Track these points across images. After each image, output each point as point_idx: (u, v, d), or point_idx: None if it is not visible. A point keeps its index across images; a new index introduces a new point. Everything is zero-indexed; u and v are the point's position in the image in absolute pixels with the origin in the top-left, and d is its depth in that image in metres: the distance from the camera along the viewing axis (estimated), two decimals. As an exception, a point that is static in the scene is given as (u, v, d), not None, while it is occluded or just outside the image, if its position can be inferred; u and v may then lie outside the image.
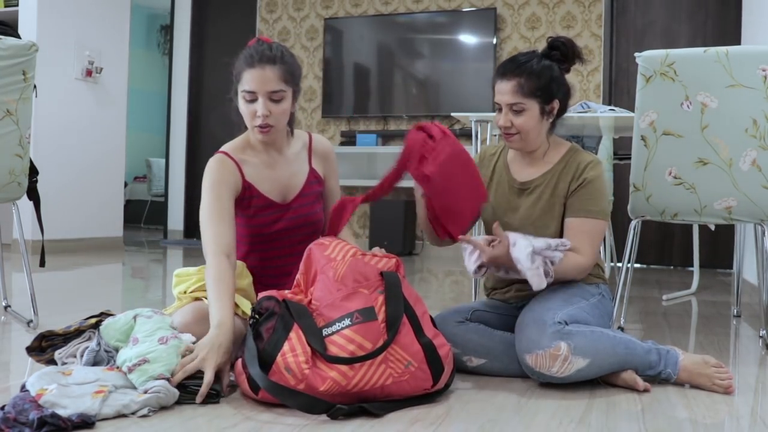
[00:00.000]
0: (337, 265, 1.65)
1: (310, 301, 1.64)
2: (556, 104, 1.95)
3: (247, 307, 1.86)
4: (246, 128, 2.08)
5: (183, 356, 1.61)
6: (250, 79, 1.85)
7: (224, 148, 1.99)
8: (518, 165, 2.05)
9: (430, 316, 1.76)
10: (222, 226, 1.84)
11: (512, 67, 1.92)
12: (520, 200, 2.00)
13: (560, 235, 1.94)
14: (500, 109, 1.95)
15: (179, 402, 1.54)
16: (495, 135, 3.52)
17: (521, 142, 1.95)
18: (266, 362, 1.53)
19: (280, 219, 1.99)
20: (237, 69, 1.90)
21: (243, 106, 1.89)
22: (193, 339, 1.68)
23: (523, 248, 1.78)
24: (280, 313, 1.59)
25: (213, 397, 1.56)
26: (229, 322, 1.69)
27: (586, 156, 1.97)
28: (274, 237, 1.99)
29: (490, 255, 1.81)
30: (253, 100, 1.87)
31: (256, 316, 1.61)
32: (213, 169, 1.92)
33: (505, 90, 1.91)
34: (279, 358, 1.52)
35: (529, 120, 1.92)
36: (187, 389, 1.56)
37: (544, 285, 1.79)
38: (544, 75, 1.91)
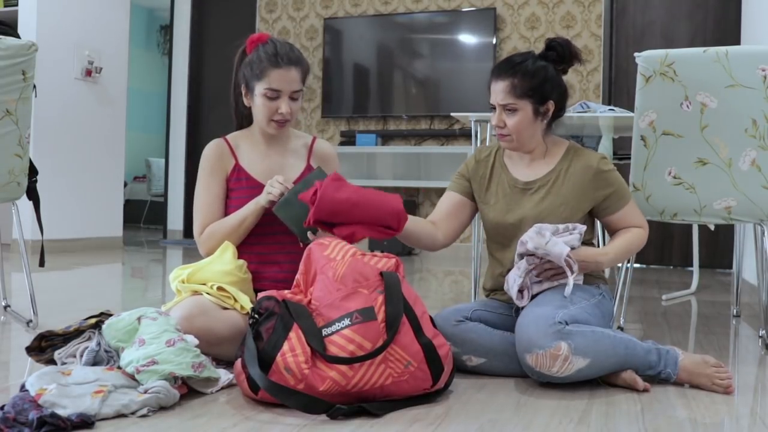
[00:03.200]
0: (337, 265, 1.65)
1: (309, 301, 1.64)
2: (550, 105, 1.95)
3: (246, 302, 1.88)
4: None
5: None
6: (277, 79, 1.96)
7: (227, 135, 2.13)
8: (517, 164, 2.05)
9: (430, 316, 1.76)
10: (208, 213, 2.04)
11: (506, 68, 1.94)
12: (523, 200, 2.00)
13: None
14: (494, 109, 1.97)
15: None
16: (494, 135, 3.52)
17: (514, 142, 1.97)
18: (266, 362, 1.52)
19: None
20: (258, 66, 1.97)
21: (263, 103, 1.99)
22: (196, 342, 1.68)
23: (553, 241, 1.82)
24: (279, 313, 1.59)
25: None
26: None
27: (589, 155, 1.98)
28: (260, 221, 2.01)
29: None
30: (276, 98, 1.98)
31: (256, 316, 1.62)
32: (206, 155, 2.08)
33: (499, 90, 1.94)
34: (278, 358, 1.52)
35: (522, 121, 1.93)
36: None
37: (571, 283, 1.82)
38: (538, 75, 1.92)
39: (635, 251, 2.03)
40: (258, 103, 2.00)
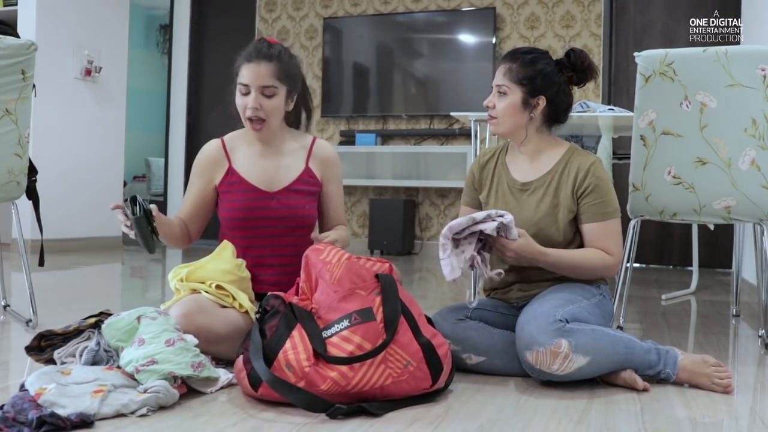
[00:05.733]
0: (333, 268, 1.66)
1: (312, 306, 1.65)
2: (541, 101, 1.96)
3: (245, 300, 1.88)
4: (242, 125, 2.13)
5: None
6: (246, 73, 1.97)
7: (225, 135, 2.14)
8: (517, 165, 2.05)
9: (427, 317, 1.76)
10: (183, 209, 2.09)
11: (511, 54, 2.01)
12: (521, 200, 1.99)
13: (566, 239, 1.95)
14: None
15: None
16: (495, 135, 3.52)
17: (499, 127, 2.01)
18: (268, 358, 1.54)
19: (263, 207, 2.02)
20: (237, 64, 2.01)
21: (238, 99, 2.01)
22: (196, 341, 1.68)
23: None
24: (284, 312, 1.60)
25: None
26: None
27: (586, 157, 1.97)
28: (254, 224, 2.01)
29: (516, 253, 1.79)
30: (247, 94, 1.98)
31: (262, 312, 1.64)
32: (199, 157, 2.11)
33: (498, 72, 2.01)
34: (280, 355, 1.52)
35: (509, 106, 1.96)
36: None
37: (455, 274, 1.76)
38: (535, 67, 1.96)
39: (587, 272, 1.90)
40: (236, 101, 2.01)
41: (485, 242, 1.80)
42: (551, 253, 1.86)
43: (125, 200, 1.75)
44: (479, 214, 1.76)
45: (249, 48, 2.00)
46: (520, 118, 1.98)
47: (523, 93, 1.96)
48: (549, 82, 1.96)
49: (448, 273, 1.77)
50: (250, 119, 1.99)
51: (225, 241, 1.97)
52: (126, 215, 1.75)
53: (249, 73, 1.95)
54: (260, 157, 2.07)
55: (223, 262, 1.92)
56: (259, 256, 2.03)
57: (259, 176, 2.04)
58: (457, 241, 1.78)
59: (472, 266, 1.79)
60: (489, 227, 1.74)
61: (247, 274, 1.97)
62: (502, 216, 1.76)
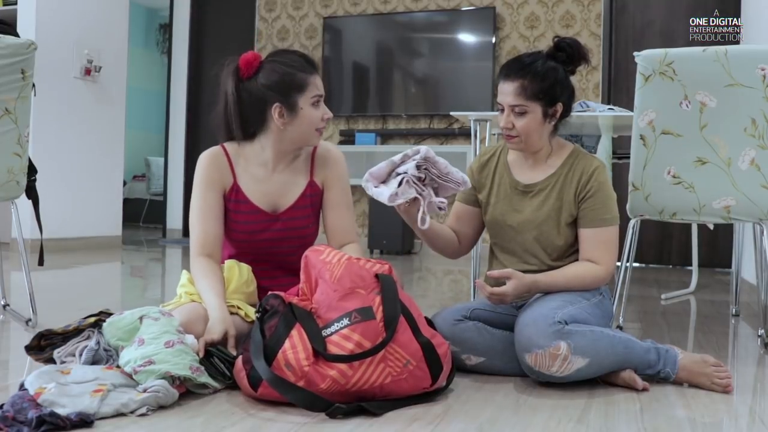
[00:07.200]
0: (333, 267, 1.66)
1: (312, 307, 1.65)
2: (559, 107, 1.93)
3: (251, 312, 1.86)
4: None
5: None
6: (320, 84, 1.97)
7: (225, 143, 2.02)
8: (520, 166, 2.03)
9: (426, 318, 1.76)
10: (205, 227, 1.93)
11: (516, 68, 1.90)
12: (523, 202, 1.99)
13: (567, 242, 1.95)
14: (502, 110, 1.93)
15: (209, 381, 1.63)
16: (494, 134, 3.51)
17: (522, 144, 1.94)
18: (268, 358, 1.53)
19: (267, 229, 1.97)
20: (298, 78, 1.91)
21: (313, 112, 1.95)
22: (196, 342, 1.68)
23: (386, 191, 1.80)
24: (283, 312, 1.60)
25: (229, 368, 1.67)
26: (221, 306, 1.79)
27: (590, 161, 1.96)
28: (259, 246, 1.98)
29: (514, 294, 1.84)
30: (320, 103, 1.98)
31: (262, 312, 1.64)
32: (203, 165, 1.97)
33: (508, 91, 1.89)
34: (280, 355, 1.52)
35: (531, 122, 1.90)
36: (210, 358, 1.67)
37: (391, 195, 1.78)
38: (549, 77, 1.89)
39: (579, 287, 1.89)
40: (306, 115, 1.92)
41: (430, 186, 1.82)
42: (542, 279, 1.88)
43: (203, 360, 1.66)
44: (397, 157, 1.80)
45: (299, 60, 1.95)
46: (544, 131, 1.94)
47: (542, 107, 1.89)
48: (563, 88, 1.92)
49: (386, 198, 1.78)
50: (319, 130, 1.98)
51: (232, 263, 1.92)
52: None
53: (320, 85, 1.98)
54: (266, 178, 1.98)
55: (231, 282, 1.90)
56: (267, 277, 1.99)
57: (264, 197, 1.97)
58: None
59: (422, 196, 1.80)
60: (409, 167, 1.77)
61: (254, 286, 1.95)
62: (418, 152, 1.78)
